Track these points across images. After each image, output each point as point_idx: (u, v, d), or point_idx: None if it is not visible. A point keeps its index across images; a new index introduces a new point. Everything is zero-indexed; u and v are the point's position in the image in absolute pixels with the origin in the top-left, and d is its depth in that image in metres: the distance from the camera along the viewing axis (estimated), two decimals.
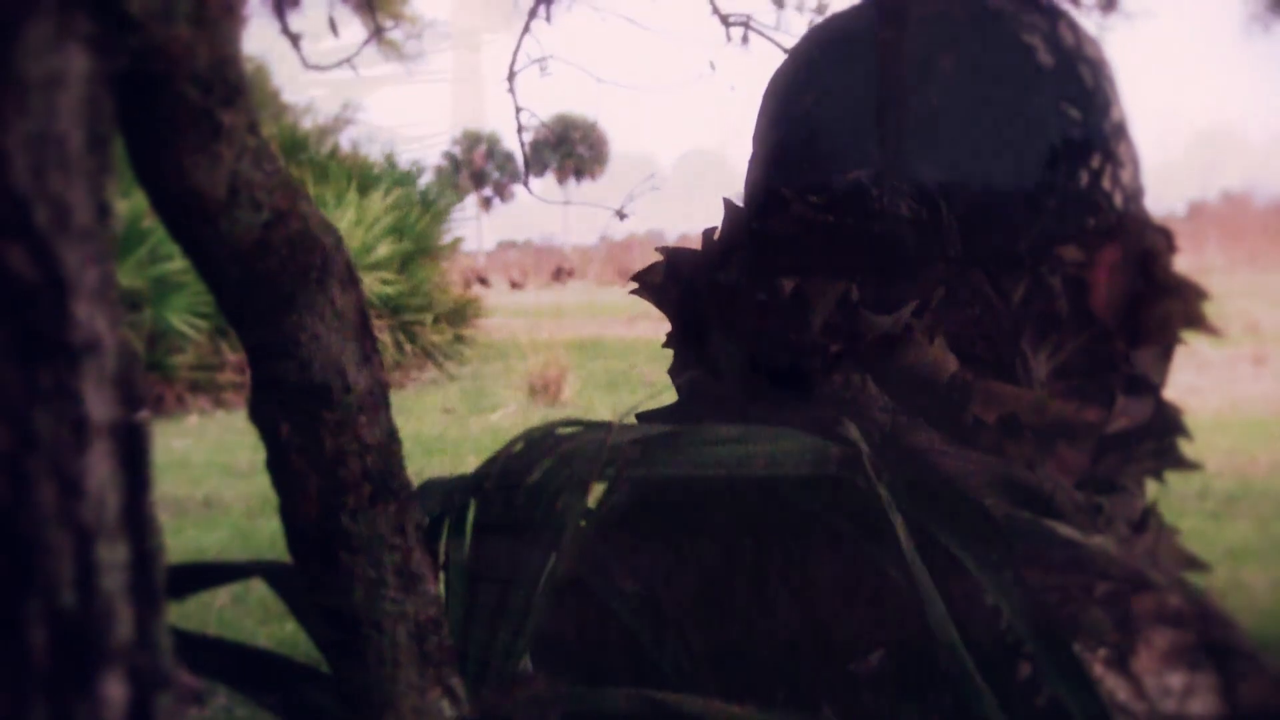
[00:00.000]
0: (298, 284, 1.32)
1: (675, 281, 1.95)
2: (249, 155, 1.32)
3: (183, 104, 1.23)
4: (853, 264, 1.81)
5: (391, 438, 1.39)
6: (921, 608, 1.46)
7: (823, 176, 1.85)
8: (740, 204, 1.99)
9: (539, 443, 1.58)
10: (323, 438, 1.34)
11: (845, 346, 1.76)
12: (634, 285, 2.03)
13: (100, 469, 0.91)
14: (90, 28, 0.93)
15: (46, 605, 0.87)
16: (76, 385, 0.90)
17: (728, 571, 1.72)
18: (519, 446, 1.59)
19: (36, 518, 0.87)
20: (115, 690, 0.90)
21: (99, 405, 0.91)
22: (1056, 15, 1.91)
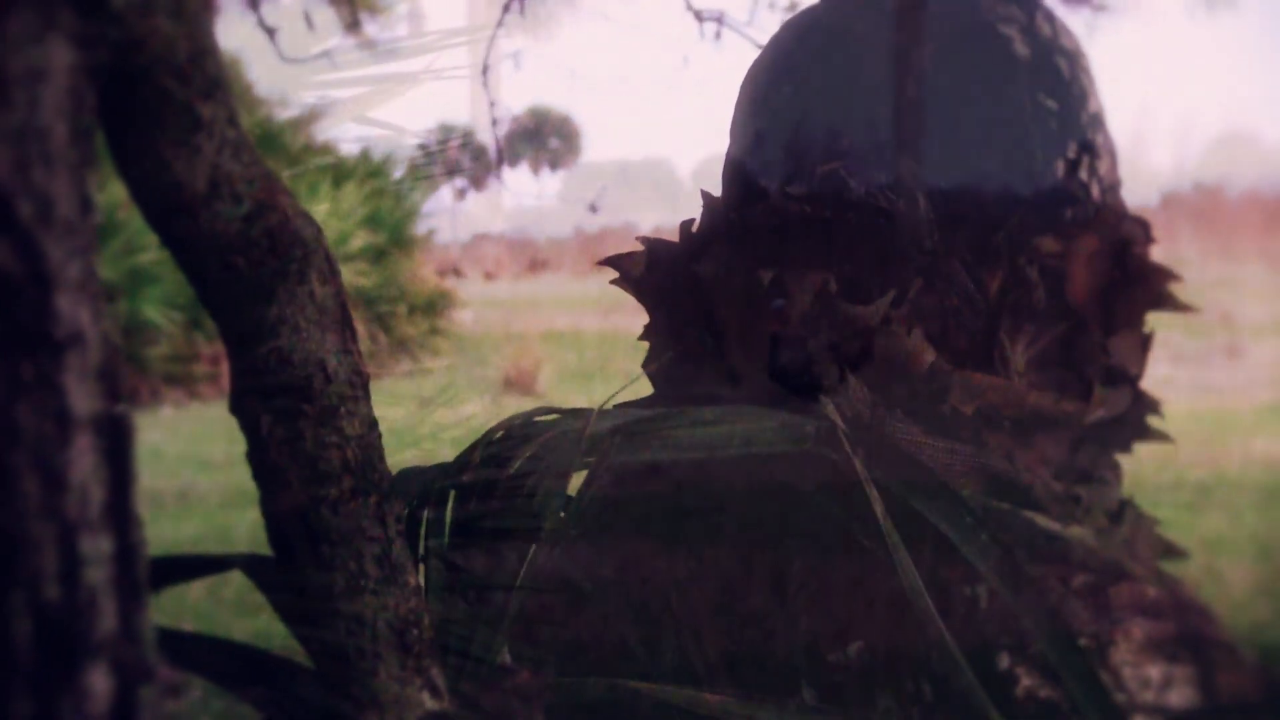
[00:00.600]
0: (278, 276, 1.31)
1: (654, 272, 1.95)
2: (229, 148, 1.32)
3: (163, 97, 1.23)
4: (831, 255, 1.81)
5: (372, 429, 1.39)
6: (900, 590, 1.46)
7: (801, 167, 1.86)
8: (718, 195, 1.99)
9: (518, 431, 1.58)
10: (303, 430, 1.34)
11: (823, 337, 1.76)
12: (612, 275, 2.03)
13: (84, 462, 0.91)
14: (73, 21, 0.93)
15: (30, 598, 0.87)
16: (59, 378, 0.89)
17: (708, 559, 1.72)
18: (499, 435, 1.59)
19: (20, 511, 0.87)
20: (99, 683, 0.90)
21: (82, 398, 0.91)
22: (1034, 7, 1.92)
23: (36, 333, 0.89)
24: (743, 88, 2.02)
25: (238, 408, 1.38)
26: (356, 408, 1.39)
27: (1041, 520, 1.69)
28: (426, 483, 1.53)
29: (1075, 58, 1.94)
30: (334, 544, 1.36)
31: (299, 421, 1.35)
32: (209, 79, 1.27)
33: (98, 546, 0.91)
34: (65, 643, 0.89)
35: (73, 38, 0.94)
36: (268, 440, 1.36)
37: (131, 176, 1.29)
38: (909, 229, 1.77)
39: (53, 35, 0.92)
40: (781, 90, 1.92)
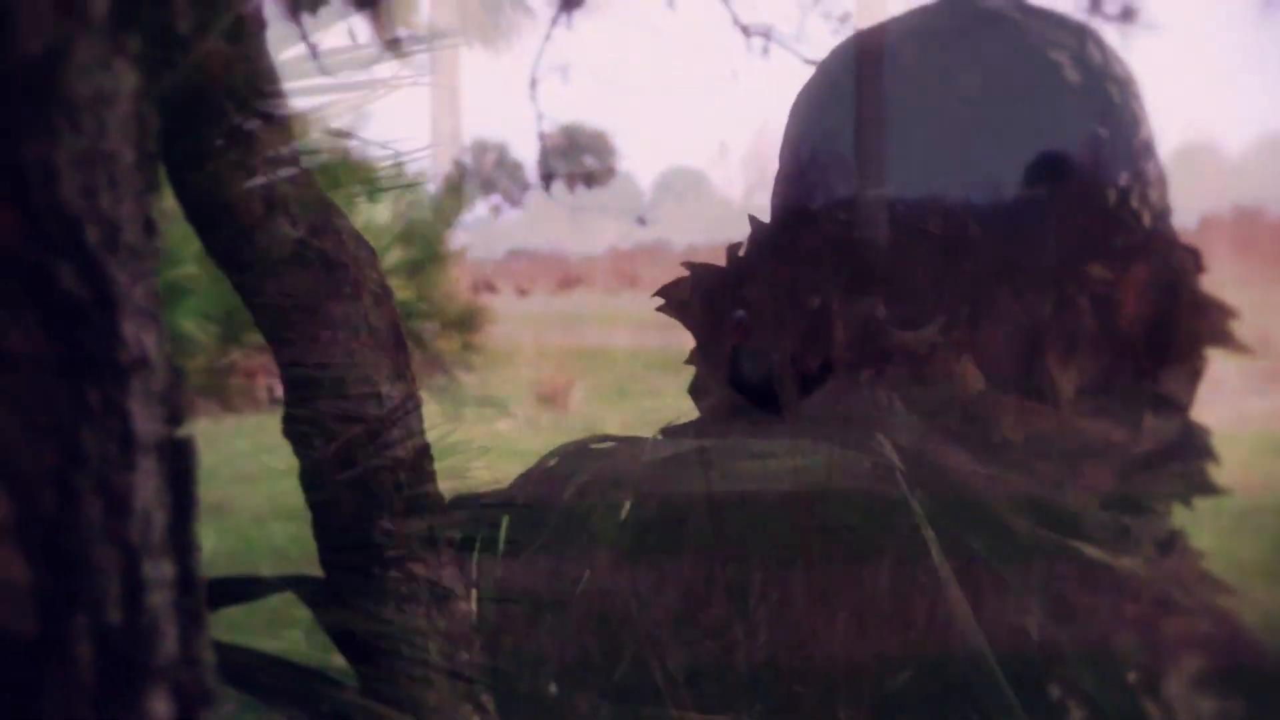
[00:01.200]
0: (332, 298, 1.32)
1: (700, 297, 1.95)
2: (285, 169, 1.33)
3: (220, 118, 1.23)
4: (879, 280, 1.81)
5: (424, 452, 1.39)
6: (951, 623, 1.45)
7: (849, 192, 1.85)
8: (765, 219, 1.99)
9: (572, 458, 1.58)
10: (356, 453, 1.34)
11: (872, 364, 1.76)
12: (659, 301, 2.03)
13: (147, 487, 0.91)
14: (138, 46, 0.94)
15: (93, 622, 0.88)
16: (124, 403, 0.90)
17: (752, 586, 1.71)
18: (552, 462, 1.59)
19: (83, 535, 0.87)
20: (160, 707, 0.90)
21: (146, 422, 0.91)
22: (1085, 33, 1.91)
23: (102, 357, 0.89)
24: (792, 112, 2.02)
25: (290, 430, 1.38)
26: (409, 431, 1.39)
27: (1091, 550, 1.69)
28: (481, 508, 1.53)
29: (1126, 84, 1.94)
30: (385, 567, 1.36)
31: (352, 445, 1.35)
32: (266, 101, 1.27)
33: (160, 571, 0.91)
34: (127, 667, 0.89)
35: (138, 62, 0.94)
36: (320, 462, 1.36)
37: (187, 198, 1.29)
38: (958, 254, 1.76)
39: (119, 60, 0.92)
40: (830, 115, 1.92)
